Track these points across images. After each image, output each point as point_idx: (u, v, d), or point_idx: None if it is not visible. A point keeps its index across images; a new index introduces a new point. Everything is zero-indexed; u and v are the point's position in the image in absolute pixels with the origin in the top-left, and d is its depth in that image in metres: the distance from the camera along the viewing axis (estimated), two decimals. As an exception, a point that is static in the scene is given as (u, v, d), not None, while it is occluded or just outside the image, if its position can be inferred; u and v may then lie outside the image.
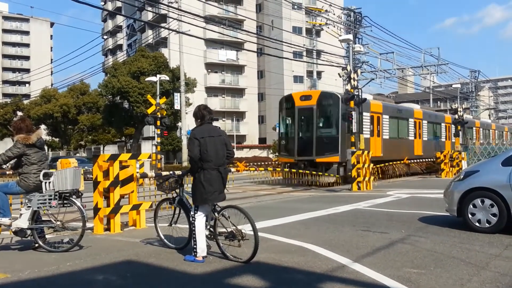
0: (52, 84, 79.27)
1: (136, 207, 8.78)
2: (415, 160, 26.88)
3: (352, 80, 17.55)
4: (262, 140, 63.95)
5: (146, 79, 36.89)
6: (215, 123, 6.80)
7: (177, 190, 6.64)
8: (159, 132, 27.69)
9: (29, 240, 7.07)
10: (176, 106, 36.81)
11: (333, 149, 19.89)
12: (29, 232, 6.86)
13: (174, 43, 48.04)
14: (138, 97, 41.94)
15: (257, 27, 58.79)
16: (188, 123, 36.83)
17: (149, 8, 56.29)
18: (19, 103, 64.73)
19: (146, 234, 7.90)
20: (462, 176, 8.44)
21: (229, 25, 46.52)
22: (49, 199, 6.74)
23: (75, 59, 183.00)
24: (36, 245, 6.96)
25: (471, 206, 7.99)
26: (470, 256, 6.22)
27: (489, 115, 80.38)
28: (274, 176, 21.98)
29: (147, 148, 48.81)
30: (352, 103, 17.36)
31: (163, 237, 7.01)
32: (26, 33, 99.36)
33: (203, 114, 6.18)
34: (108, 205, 8.31)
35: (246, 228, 5.92)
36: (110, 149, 58.48)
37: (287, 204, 13.18)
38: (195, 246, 6.01)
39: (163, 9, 40.10)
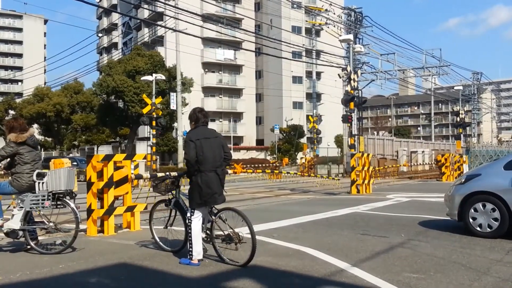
0: (45, 83, 78.22)
1: (130, 209, 8.66)
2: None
3: (352, 81, 17.48)
4: (259, 142, 63.87)
5: (142, 78, 36.49)
6: (211, 124, 6.72)
7: (173, 192, 6.53)
8: (154, 132, 27.55)
9: (21, 241, 6.97)
10: (172, 106, 36.66)
11: None
12: (21, 233, 6.76)
13: (170, 41, 48.02)
14: (134, 96, 41.75)
15: (255, 26, 58.74)
16: (184, 123, 36.66)
17: (146, 6, 56.07)
18: (11, 101, 63.93)
19: (140, 237, 7.80)
20: (463, 180, 8.35)
21: (227, 24, 46.38)
22: (42, 200, 6.63)
23: (69, 57, 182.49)
24: (28, 246, 6.85)
25: (472, 210, 7.89)
26: (471, 261, 6.15)
27: (491, 118, 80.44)
28: (272, 179, 21.89)
29: (142, 149, 48.49)
30: (352, 105, 17.29)
31: (158, 239, 6.90)
32: (19, 30, 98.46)
33: (197, 117, 6.12)
34: (102, 207, 8.19)
35: (244, 231, 5.84)
36: (104, 150, 57.88)
37: (285, 207, 13.11)
38: (191, 249, 5.92)
39: (159, 6, 39.91)
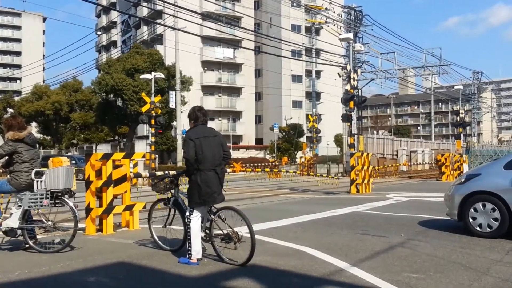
0: (44, 81, 78.07)
1: (129, 208, 8.63)
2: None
3: (351, 80, 17.44)
4: (258, 141, 63.86)
5: (141, 76, 36.51)
6: (211, 123, 6.71)
7: (172, 191, 6.51)
8: (153, 131, 27.53)
9: (20, 240, 6.94)
10: (171, 105, 36.62)
11: None
12: (19, 232, 6.74)
13: (169, 40, 48.03)
14: (132, 95, 41.71)
15: (255, 25, 58.64)
16: (183, 122, 36.63)
17: (145, 4, 55.97)
18: (10, 99, 63.72)
19: (139, 236, 7.77)
20: (463, 180, 8.32)
21: (226, 22, 46.40)
22: (41, 198, 6.61)
23: (67, 55, 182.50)
24: (27, 245, 6.82)
25: (472, 210, 7.86)
26: (470, 261, 6.13)
27: (491, 117, 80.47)
28: (272, 178, 21.91)
29: (140, 147, 48.53)
30: (351, 104, 17.26)
31: (157, 238, 6.88)
32: (18, 28, 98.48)
33: (197, 116, 6.09)
34: (100, 206, 8.17)
35: (243, 230, 5.81)
36: (103, 148, 57.95)
37: (284, 206, 13.08)
38: (189, 248, 5.89)
39: (158, 4, 39.93)
